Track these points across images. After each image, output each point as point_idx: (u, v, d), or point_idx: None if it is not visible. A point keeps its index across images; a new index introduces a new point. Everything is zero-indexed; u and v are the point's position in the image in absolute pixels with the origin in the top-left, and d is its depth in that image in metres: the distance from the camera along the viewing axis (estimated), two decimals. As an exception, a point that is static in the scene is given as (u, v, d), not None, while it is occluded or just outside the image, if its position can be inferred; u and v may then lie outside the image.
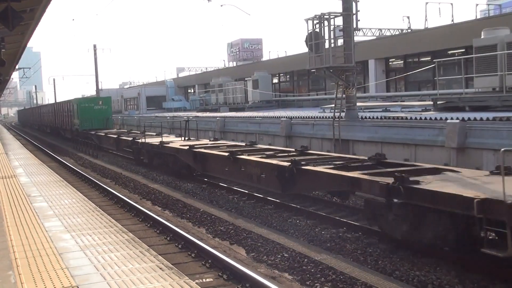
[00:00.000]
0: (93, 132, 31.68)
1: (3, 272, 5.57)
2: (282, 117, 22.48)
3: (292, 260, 8.58)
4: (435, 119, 14.77)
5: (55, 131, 47.85)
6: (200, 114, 37.46)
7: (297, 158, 12.06)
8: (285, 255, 8.88)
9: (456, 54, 24.65)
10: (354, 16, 18.19)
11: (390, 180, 8.33)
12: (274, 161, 12.29)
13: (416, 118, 15.57)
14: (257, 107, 36.06)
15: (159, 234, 10.81)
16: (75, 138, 35.45)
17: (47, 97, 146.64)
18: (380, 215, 8.56)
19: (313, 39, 18.50)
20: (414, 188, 7.88)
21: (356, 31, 18.73)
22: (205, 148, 16.70)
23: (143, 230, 11.28)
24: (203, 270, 8.39)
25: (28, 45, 20.42)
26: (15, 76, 62.42)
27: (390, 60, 31.29)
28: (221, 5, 41.29)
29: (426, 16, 35.54)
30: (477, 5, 39.55)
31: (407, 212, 8.04)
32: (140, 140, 21.66)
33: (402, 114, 17.28)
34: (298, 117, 22.00)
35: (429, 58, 26.85)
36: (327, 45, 18.40)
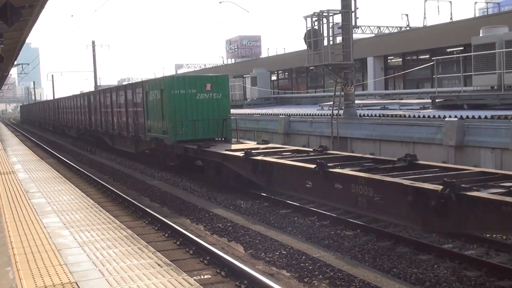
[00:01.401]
0: (238, 154, 13.59)
1: (2, 268, 5.58)
2: (280, 115, 22.49)
3: (290, 257, 8.59)
4: (434, 117, 14.79)
5: (92, 137, 30.20)
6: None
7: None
8: (283, 252, 8.89)
9: (455, 52, 24.65)
10: (353, 14, 18.20)
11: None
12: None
13: (414, 116, 15.59)
14: (255, 104, 36.06)
15: (157, 231, 10.81)
16: (149, 156, 20.84)
17: (45, 93, 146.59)
18: None
19: (312, 36, 18.52)
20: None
21: (355, 29, 18.76)
22: None
23: (142, 226, 11.29)
24: (201, 266, 8.40)
25: (27, 41, 20.39)
26: (13, 72, 62.18)
27: (389, 57, 31.30)
28: (220, 2, 41.19)
29: (425, 14, 35.57)
30: (475, 3, 39.55)
31: None
32: None
33: (401, 112, 17.30)
34: (296, 115, 22.01)
35: (428, 56, 26.86)
36: (326, 43, 18.42)
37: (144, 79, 26.96)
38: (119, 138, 24.33)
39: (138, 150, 22.01)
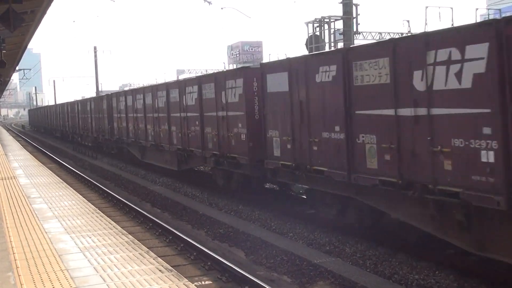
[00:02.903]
0: None
1: (3, 273, 5.57)
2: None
3: (291, 263, 8.59)
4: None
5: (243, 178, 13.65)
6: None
7: None
8: (284, 258, 8.88)
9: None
10: (354, 20, 18.26)
11: None
12: None
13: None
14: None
15: (158, 236, 10.81)
16: None
17: (46, 99, 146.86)
18: None
19: (314, 42, 18.57)
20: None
21: (356, 35, 18.80)
22: None
23: (143, 232, 11.28)
24: (202, 272, 8.40)
25: (28, 46, 20.45)
26: (15, 77, 62.35)
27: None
28: (222, 8, 41.36)
29: (426, 20, 35.52)
30: (477, 9, 39.59)
31: None
32: None
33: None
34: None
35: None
36: (327, 48, 18.46)
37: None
38: None
39: None
